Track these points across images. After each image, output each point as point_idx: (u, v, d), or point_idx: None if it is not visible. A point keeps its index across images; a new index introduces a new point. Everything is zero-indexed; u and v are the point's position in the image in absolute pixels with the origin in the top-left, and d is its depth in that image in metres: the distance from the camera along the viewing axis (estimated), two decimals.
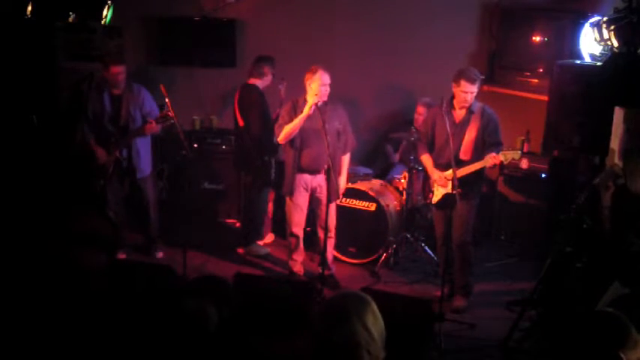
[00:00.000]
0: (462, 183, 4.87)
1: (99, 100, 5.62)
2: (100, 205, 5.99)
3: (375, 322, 2.23)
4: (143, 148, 5.79)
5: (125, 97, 5.63)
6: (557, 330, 4.31)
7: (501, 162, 4.89)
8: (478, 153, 4.97)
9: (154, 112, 5.68)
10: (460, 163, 4.94)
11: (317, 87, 5.08)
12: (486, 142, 4.98)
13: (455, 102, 5.01)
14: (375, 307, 2.28)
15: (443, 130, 4.91)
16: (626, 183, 4.20)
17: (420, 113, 6.23)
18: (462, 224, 5.07)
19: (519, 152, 4.90)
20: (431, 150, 5.20)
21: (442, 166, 5.06)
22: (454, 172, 4.74)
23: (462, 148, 4.98)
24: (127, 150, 5.68)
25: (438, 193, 5.14)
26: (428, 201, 5.36)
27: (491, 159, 4.84)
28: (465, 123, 4.99)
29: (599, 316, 2.52)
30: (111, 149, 5.64)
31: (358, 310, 2.22)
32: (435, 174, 5.13)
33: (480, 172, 5.02)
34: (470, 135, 4.97)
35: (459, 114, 5.02)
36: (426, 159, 5.22)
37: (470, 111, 4.98)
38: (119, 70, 5.53)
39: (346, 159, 5.49)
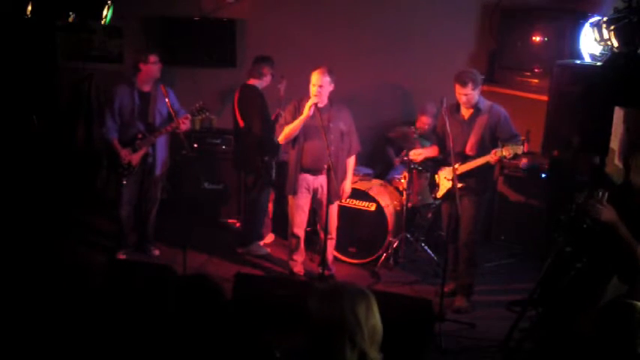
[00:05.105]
0: (467, 177, 4.96)
1: (129, 96, 5.59)
2: (104, 203, 5.99)
3: (368, 316, 2.22)
4: (161, 146, 5.79)
5: (153, 94, 5.63)
6: (557, 330, 4.30)
7: (503, 156, 4.83)
8: (484, 150, 4.99)
9: (181, 110, 5.67)
10: (466, 159, 5.02)
11: (310, 86, 5.11)
12: (501, 139, 4.96)
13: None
14: (374, 304, 2.27)
15: (450, 128, 4.95)
16: (632, 178, 4.16)
17: (426, 123, 6.24)
18: (469, 222, 5.08)
19: (521, 147, 4.83)
20: (443, 150, 5.22)
21: (449, 162, 5.04)
22: (454, 166, 4.80)
23: (468, 145, 5.04)
24: (152, 147, 5.69)
25: (442, 188, 5.23)
26: (434, 195, 5.41)
27: (492, 153, 4.85)
28: (472, 121, 5.05)
29: (619, 306, 2.52)
30: (138, 146, 5.63)
31: (352, 297, 2.23)
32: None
33: (485, 168, 5.02)
34: (477, 133, 5.02)
35: (466, 112, 5.09)
36: (430, 148, 5.37)
37: (477, 109, 5.03)
38: (156, 59, 5.56)
39: (351, 162, 5.50)
